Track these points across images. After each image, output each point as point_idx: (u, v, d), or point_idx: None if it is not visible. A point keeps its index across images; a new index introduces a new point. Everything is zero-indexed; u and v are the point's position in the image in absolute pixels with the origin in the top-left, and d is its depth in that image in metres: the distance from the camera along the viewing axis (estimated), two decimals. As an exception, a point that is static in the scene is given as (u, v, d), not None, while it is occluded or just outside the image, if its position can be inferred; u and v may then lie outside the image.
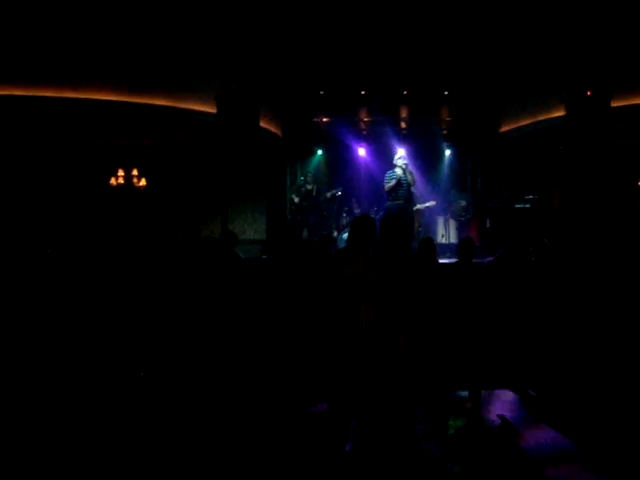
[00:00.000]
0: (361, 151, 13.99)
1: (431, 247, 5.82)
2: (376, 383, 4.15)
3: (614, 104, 9.37)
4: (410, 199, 10.38)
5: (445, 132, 13.96)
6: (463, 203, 12.43)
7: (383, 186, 10.40)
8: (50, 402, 4.76)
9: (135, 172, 11.17)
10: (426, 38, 11.23)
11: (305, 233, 12.14)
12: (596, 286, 6.54)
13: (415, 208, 11.75)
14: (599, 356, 5.79)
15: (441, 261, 9.52)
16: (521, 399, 5.95)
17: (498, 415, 5.48)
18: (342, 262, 4.42)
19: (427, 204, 11.97)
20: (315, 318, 4.57)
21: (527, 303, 6.57)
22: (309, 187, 12.31)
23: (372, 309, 4.14)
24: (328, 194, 12.53)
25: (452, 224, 12.52)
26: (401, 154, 10.45)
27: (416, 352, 4.52)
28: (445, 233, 12.51)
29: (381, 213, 11.65)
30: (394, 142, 13.19)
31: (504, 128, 13.38)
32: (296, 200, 12.16)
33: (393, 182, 10.17)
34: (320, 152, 14.17)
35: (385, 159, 12.90)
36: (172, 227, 11.41)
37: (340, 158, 14.23)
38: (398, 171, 10.16)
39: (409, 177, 10.15)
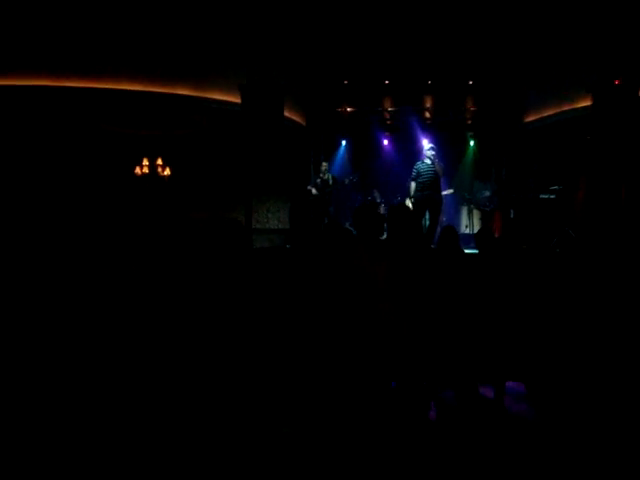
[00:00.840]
0: (385, 141, 13.97)
1: (453, 235, 5.79)
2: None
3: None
4: (439, 189, 10.33)
5: (469, 122, 13.90)
6: (487, 193, 12.38)
7: (410, 175, 10.43)
8: (51, 397, 4.80)
9: (160, 161, 11.24)
10: (451, 28, 11.17)
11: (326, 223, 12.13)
12: (619, 278, 6.48)
13: None
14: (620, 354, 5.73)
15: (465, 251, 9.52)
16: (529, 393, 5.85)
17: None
18: (348, 254, 4.45)
19: (444, 192, 11.90)
20: (331, 310, 4.58)
21: (548, 296, 6.52)
22: (324, 177, 12.20)
23: (382, 302, 4.16)
24: (346, 180, 12.51)
25: (476, 214, 12.48)
26: (430, 145, 10.41)
27: (433, 341, 4.53)
28: (469, 223, 12.47)
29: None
30: (418, 132, 13.16)
31: (528, 118, 13.30)
32: (314, 192, 12.09)
33: (413, 174, 10.25)
34: (344, 142, 14.17)
35: (409, 149, 12.88)
36: (196, 216, 11.48)
37: (364, 148, 14.24)
38: (427, 161, 10.14)
39: (437, 168, 10.12)
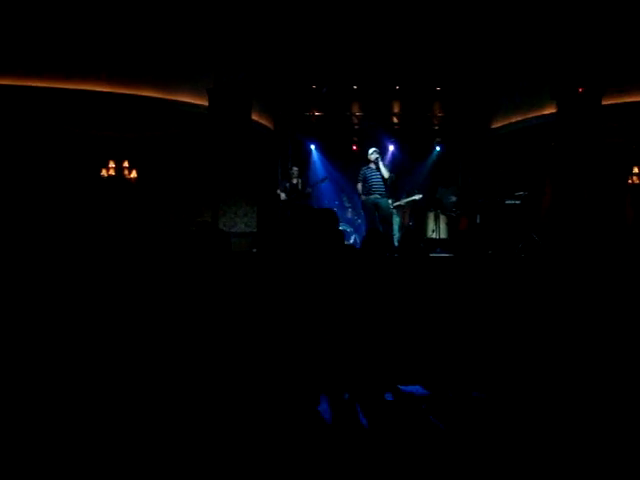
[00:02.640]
0: (353, 146, 14.01)
1: (377, 239, 5.70)
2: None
3: (605, 102, 9.44)
4: (385, 193, 10.45)
5: (437, 128, 14.01)
6: (453, 198, 12.47)
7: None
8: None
9: (126, 164, 11.16)
10: (419, 34, 11.23)
11: (295, 227, 12.07)
12: (583, 282, 6.57)
13: (397, 203, 11.86)
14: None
15: (432, 255, 9.57)
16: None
17: None
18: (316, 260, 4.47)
19: (413, 197, 12.00)
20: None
21: (514, 301, 6.56)
22: (294, 182, 12.14)
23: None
24: (313, 185, 12.48)
25: (442, 219, 12.55)
26: (373, 149, 10.53)
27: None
28: (435, 228, 12.54)
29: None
30: (386, 137, 13.22)
31: (495, 124, 13.44)
32: (283, 196, 12.01)
33: (360, 178, 10.49)
34: (312, 146, 14.18)
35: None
36: (165, 218, 11.43)
37: (332, 152, 14.25)
38: (371, 166, 10.30)
39: (382, 169, 10.24)
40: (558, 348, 5.88)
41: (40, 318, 5.81)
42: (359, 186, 10.49)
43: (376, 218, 10.47)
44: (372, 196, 10.25)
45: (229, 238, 6.20)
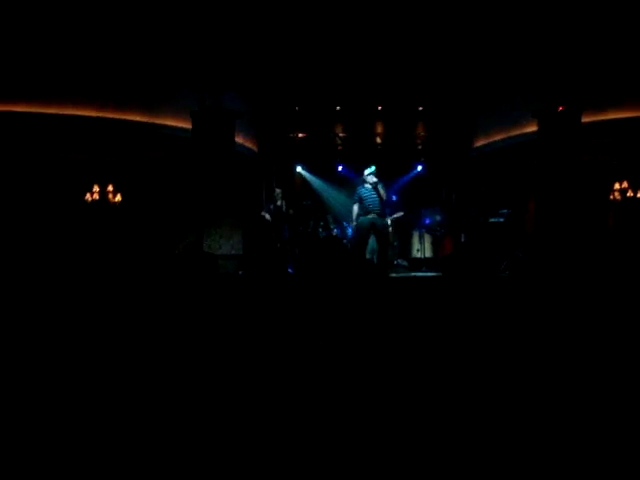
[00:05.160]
0: (339, 167, 14.03)
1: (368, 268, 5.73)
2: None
3: (584, 120, 9.56)
4: (383, 213, 10.48)
5: (420, 147, 14.06)
6: (438, 218, 12.52)
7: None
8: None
9: (110, 188, 11.13)
10: (401, 54, 11.33)
11: (281, 249, 12.07)
12: (568, 298, 6.59)
13: None
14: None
15: (416, 274, 9.60)
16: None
17: None
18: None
19: (394, 216, 12.04)
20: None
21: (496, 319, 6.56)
22: (278, 203, 12.13)
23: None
24: (290, 211, 12.42)
25: (427, 238, 12.59)
26: (370, 170, 10.57)
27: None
28: (420, 247, 12.58)
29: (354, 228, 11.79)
30: (369, 157, 13.26)
31: (478, 143, 13.52)
32: (267, 217, 11.98)
33: (355, 198, 10.54)
34: (296, 168, 14.18)
35: (361, 174, 13.02)
36: (150, 241, 11.38)
37: (316, 173, 14.25)
38: (367, 186, 10.31)
39: (381, 191, 10.26)
40: (547, 363, 5.87)
41: (19, 342, 5.74)
42: (355, 207, 10.52)
43: (369, 240, 10.50)
44: (370, 216, 10.23)
45: (216, 260, 6.18)
